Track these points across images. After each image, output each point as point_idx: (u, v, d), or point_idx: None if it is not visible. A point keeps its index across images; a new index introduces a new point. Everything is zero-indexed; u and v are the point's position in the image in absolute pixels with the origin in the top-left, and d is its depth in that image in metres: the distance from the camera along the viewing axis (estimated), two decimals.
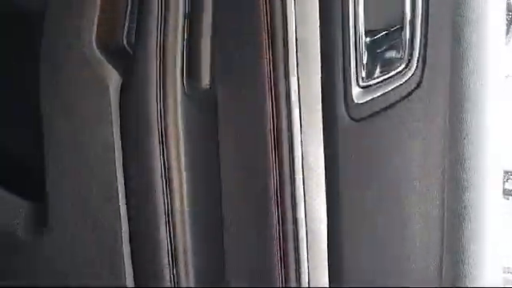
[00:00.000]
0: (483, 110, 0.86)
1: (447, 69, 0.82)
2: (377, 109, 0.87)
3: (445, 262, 0.87)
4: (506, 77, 1.13)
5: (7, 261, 1.06)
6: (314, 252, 0.92)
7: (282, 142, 0.91)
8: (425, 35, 0.83)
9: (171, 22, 0.89)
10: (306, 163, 0.91)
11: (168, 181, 0.94)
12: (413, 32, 0.85)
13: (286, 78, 0.89)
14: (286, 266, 0.92)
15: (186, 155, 0.94)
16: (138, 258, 0.98)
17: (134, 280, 0.99)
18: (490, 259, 0.89)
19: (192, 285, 0.97)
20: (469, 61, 0.82)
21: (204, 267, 0.98)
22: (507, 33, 1.72)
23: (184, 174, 0.94)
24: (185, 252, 0.96)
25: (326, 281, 0.92)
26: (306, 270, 0.92)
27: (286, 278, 0.92)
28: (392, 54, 0.87)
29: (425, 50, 0.83)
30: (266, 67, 0.89)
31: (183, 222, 0.95)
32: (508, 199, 2.61)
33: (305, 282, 0.92)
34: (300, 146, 0.91)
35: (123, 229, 0.97)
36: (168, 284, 0.97)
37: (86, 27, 0.93)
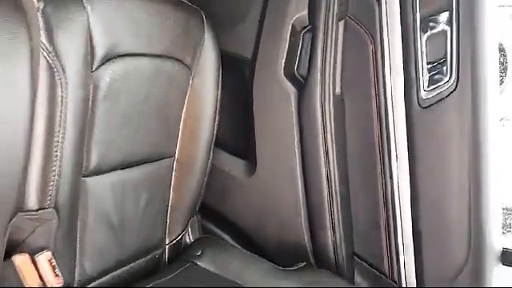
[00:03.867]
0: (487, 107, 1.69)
1: (469, 83, 1.66)
2: (434, 102, 1.71)
3: None
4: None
5: (230, 195, 1.90)
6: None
7: (383, 126, 1.74)
8: (457, 64, 1.67)
9: (328, 58, 1.72)
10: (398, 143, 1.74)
11: (328, 163, 1.75)
12: (451, 62, 1.69)
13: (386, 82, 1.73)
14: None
15: (336, 142, 1.75)
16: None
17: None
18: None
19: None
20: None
21: None
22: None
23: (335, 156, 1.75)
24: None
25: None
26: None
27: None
28: (442, 71, 1.71)
29: (457, 72, 1.67)
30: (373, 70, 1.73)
31: (337, 203, 1.73)
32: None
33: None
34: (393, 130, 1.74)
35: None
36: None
37: (279, 64, 1.76)
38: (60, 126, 1.13)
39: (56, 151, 1.12)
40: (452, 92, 1.65)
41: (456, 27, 1.62)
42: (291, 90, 1.74)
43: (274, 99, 1.76)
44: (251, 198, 1.83)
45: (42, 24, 1.08)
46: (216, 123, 1.68)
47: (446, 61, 1.67)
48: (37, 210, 1.11)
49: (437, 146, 1.69)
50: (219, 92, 1.67)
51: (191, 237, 1.71)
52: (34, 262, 1.10)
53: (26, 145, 1.05)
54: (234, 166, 1.85)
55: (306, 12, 1.72)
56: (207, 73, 1.62)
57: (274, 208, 1.81)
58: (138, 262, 1.49)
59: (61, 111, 1.12)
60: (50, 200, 1.13)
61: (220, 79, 1.66)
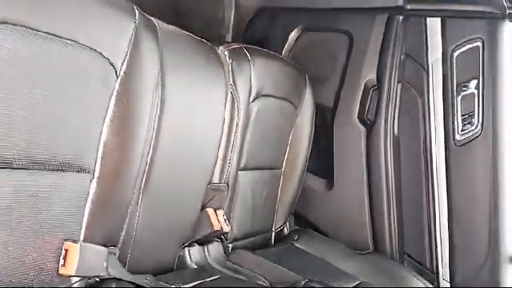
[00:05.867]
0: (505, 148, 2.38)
1: (491, 130, 2.35)
2: (465, 142, 2.41)
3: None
4: None
5: (312, 207, 2.59)
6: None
7: (429, 159, 2.45)
8: (482, 117, 2.38)
9: (389, 109, 2.45)
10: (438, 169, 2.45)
11: (387, 186, 2.46)
12: (478, 115, 2.40)
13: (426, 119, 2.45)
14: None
15: (394, 170, 2.47)
16: None
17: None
18: None
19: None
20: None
21: None
22: None
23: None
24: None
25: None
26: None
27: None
28: (471, 122, 2.41)
29: (482, 123, 2.37)
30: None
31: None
32: None
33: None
34: (436, 161, 2.45)
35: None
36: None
37: (354, 111, 2.49)
38: (234, 137, 1.86)
39: (230, 152, 1.86)
40: (478, 136, 2.35)
41: (482, 91, 2.34)
42: (362, 130, 2.46)
43: (349, 136, 2.48)
44: (328, 207, 2.52)
45: (230, 71, 1.83)
46: (309, 151, 2.40)
47: (474, 114, 2.37)
48: (217, 184, 1.83)
49: (467, 175, 2.38)
50: (313, 128, 2.39)
51: (288, 229, 2.40)
52: (216, 214, 1.81)
53: (215, 148, 1.77)
54: (317, 183, 2.55)
55: (374, 75, 2.45)
56: (306, 114, 2.35)
57: (344, 215, 2.50)
58: (256, 237, 2.18)
59: (235, 128, 1.85)
60: (224, 179, 1.85)
61: (314, 120, 2.39)
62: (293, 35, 2.66)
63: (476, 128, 2.36)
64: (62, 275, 1.24)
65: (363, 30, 2.47)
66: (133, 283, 1.34)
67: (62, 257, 1.24)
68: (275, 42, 2.65)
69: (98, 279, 1.32)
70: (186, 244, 1.74)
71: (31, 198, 1.17)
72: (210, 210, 1.78)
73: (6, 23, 1.05)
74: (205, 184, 1.76)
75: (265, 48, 2.20)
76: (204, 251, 1.79)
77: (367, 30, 2.47)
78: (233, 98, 1.82)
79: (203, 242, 1.80)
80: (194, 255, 1.75)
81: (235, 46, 1.90)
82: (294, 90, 2.22)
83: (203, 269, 1.74)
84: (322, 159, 2.53)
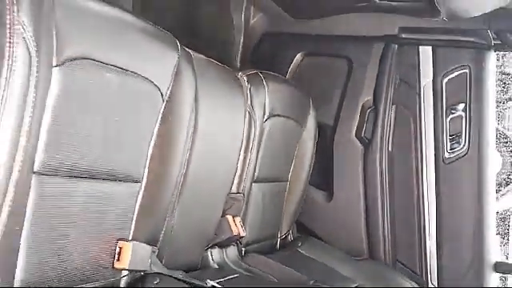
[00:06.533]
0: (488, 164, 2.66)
1: (476, 150, 2.62)
2: (454, 160, 2.67)
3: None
4: None
5: (313, 217, 2.83)
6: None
7: (420, 174, 2.71)
8: (468, 137, 2.64)
9: (385, 128, 2.71)
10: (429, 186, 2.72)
11: (382, 197, 2.74)
12: (465, 135, 2.67)
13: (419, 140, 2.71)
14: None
15: (388, 183, 2.72)
16: None
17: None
18: None
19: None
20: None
21: None
22: None
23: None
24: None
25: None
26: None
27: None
28: (459, 141, 2.68)
29: (468, 143, 2.63)
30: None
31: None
32: None
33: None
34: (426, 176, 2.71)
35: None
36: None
37: (352, 129, 2.75)
38: (250, 152, 2.10)
39: (247, 165, 2.09)
40: (465, 155, 2.61)
41: (468, 114, 2.60)
42: (359, 147, 2.71)
43: (348, 152, 2.73)
44: (327, 217, 2.77)
45: (248, 93, 2.07)
46: (312, 165, 2.64)
47: (461, 134, 2.63)
48: (235, 194, 2.07)
49: (454, 189, 2.64)
50: (315, 145, 2.64)
51: (292, 236, 2.64)
52: (234, 221, 2.04)
53: (235, 162, 2.02)
54: (317, 195, 2.80)
55: (371, 97, 2.71)
56: (309, 132, 2.59)
57: (343, 224, 2.74)
58: (264, 243, 2.42)
59: (252, 144, 2.09)
60: (241, 189, 2.09)
61: (316, 137, 2.64)
62: (296, 59, 2.91)
63: (463, 147, 2.62)
64: (116, 269, 1.47)
65: (362, 56, 2.73)
66: (172, 277, 1.57)
67: (116, 253, 1.47)
68: (280, 65, 2.89)
69: (142, 273, 1.54)
70: (208, 246, 1.96)
71: (95, 203, 1.39)
72: (229, 217, 2.01)
73: (87, 59, 1.28)
74: (226, 193, 2.00)
75: (269, 69, 2.45)
76: (223, 253, 2.02)
77: (365, 56, 2.72)
78: (250, 118, 2.06)
79: (222, 245, 2.03)
80: (215, 256, 1.99)
81: (252, 71, 2.14)
82: (299, 110, 2.46)
83: (222, 268, 1.97)
84: (322, 173, 2.77)
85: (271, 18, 2.94)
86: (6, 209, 1.12)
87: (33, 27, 1.10)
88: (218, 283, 1.73)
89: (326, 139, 2.77)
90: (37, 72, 1.11)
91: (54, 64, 1.18)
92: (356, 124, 2.73)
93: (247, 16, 2.96)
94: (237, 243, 2.11)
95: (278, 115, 2.28)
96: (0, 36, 1.06)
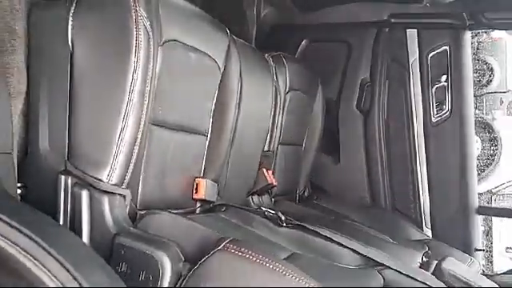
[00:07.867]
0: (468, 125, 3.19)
1: (458, 114, 3.14)
2: (440, 122, 3.18)
3: None
4: None
5: (324, 177, 3.35)
6: None
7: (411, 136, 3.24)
8: (451, 103, 3.17)
9: (380, 100, 3.23)
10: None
11: (381, 156, 3.26)
12: (448, 102, 3.19)
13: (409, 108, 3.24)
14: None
15: (385, 144, 3.25)
16: None
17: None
18: None
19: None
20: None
21: None
22: None
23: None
24: None
25: None
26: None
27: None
28: (442, 108, 3.20)
29: (451, 108, 3.15)
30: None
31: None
32: None
33: None
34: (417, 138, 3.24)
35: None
36: None
37: (353, 102, 3.27)
38: (277, 119, 2.60)
39: (275, 129, 2.60)
40: (448, 118, 3.13)
41: (450, 84, 3.13)
42: (360, 116, 3.23)
43: (350, 121, 3.25)
44: (336, 176, 3.29)
45: (273, 71, 2.58)
46: (321, 133, 3.16)
47: (445, 101, 3.15)
48: (267, 151, 2.58)
49: (443, 146, 3.16)
50: (324, 116, 3.15)
51: (308, 192, 3.16)
52: (268, 173, 2.55)
53: (267, 125, 2.53)
54: (327, 159, 3.32)
55: (368, 75, 3.23)
56: (318, 105, 3.11)
57: (349, 181, 3.26)
58: (286, 196, 2.93)
59: (278, 111, 2.60)
60: (271, 148, 2.60)
61: (324, 109, 3.15)
62: (302, 45, 3.43)
63: (446, 112, 3.13)
64: (194, 199, 1.98)
65: (359, 40, 3.25)
66: (235, 206, 2.07)
67: (194, 187, 1.97)
68: (288, 51, 3.39)
69: (211, 205, 2.05)
70: (249, 193, 2.48)
71: (179, 149, 1.89)
72: (264, 170, 2.52)
73: (176, 41, 1.77)
74: (261, 150, 2.51)
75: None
76: (260, 199, 2.53)
77: (362, 40, 3.24)
78: (276, 90, 2.57)
79: (259, 193, 2.54)
80: (255, 201, 2.49)
81: (275, 53, 2.65)
82: (311, 86, 2.97)
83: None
84: (329, 140, 3.29)
85: (280, 11, 3.45)
86: (136, 150, 1.59)
87: (148, 17, 1.58)
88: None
89: (331, 111, 3.28)
90: (152, 49, 1.60)
91: (161, 43, 1.68)
92: (356, 97, 3.25)
93: (258, 10, 3.46)
94: (269, 192, 2.61)
95: (295, 89, 2.79)
96: (129, 22, 1.54)
